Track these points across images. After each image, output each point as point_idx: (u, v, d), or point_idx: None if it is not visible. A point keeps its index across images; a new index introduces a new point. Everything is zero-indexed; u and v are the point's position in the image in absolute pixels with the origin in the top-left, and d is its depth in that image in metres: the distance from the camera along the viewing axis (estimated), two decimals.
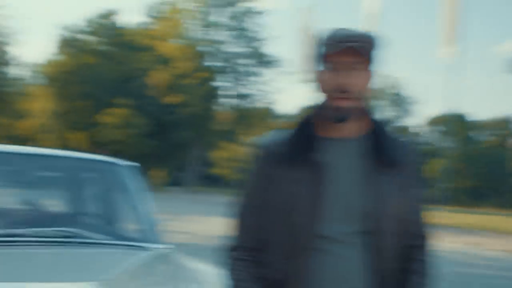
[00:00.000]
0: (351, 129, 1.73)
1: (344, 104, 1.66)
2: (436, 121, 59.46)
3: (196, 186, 44.50)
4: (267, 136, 1.82)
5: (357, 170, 1.71)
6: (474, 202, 51.73)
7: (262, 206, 1.75)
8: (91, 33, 46.18)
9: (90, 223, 3.67)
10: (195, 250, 9.38)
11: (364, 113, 1.75)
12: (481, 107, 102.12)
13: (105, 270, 2.74)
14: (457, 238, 16.29)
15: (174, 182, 52.56)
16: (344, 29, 1.71)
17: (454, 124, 53.95)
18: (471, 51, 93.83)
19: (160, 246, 3.17)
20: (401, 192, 1.72)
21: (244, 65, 45.77)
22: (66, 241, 2.89)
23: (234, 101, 46.36)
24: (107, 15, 46.72)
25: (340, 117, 1.68)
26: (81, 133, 45.58)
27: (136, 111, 42.13)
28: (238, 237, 1.81)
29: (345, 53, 1.65)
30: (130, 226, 3.50)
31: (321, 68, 1.71)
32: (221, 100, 46.77)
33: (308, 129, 1.75)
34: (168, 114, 43.50)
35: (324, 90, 1.70)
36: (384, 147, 1.72)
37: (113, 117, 40.60)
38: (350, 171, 1.71)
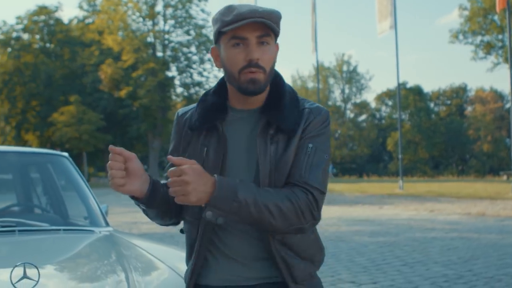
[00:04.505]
0: (256, 100, 1.82)
1: (257, 77, 1.74)
2: (387, 95, 60.16)
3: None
4: (188, 105, 1.97)
5: (252, 137, 1.81)
6: (436, 171, 52.72)
7: None
8: (29, 31, 45.23)
9: (31, 212, 3.76)
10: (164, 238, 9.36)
11: (268, 84, 1.83)
12: (434, 79, 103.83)
13: (55, 253, 2.78)
14: (419, 206, 16.59)
15: None
16: (247, 5, 1.77)
17: (405, 96, 54.51)
18: (414, 25, 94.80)
19: (104, 229, 3.26)
20: (286, 152, 1.76)
21: (195, 53, 45.53)
22: (8, 230, 2.91)
23: (190, 90, 46.14)
24: (45, 11, 45.51)
25: (254, 90, 1.75)
26: (35, 134, 44.88)
27: (89, 107, 41.99)
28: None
29: (253, 27, 1.72)
30: (71, 212, 3.59)
31: (228, 44, 1.76)
32: (177, 89, 46.58)
33: (219, 99, 1.85)
34: (121, 108, 43.41)
35: (233, 66, 1.76)
36: (272, 115, 1.79)
37: (66, 115, 40.17)
38: (247, 139, 1.82)
